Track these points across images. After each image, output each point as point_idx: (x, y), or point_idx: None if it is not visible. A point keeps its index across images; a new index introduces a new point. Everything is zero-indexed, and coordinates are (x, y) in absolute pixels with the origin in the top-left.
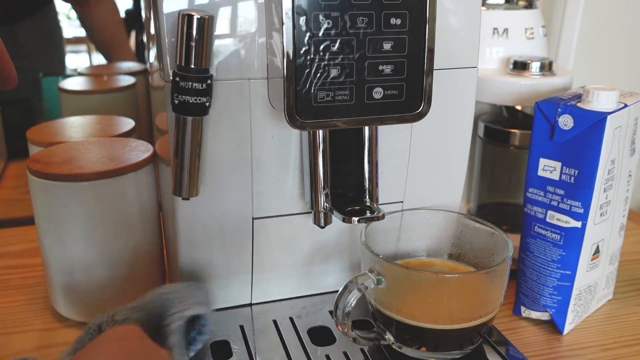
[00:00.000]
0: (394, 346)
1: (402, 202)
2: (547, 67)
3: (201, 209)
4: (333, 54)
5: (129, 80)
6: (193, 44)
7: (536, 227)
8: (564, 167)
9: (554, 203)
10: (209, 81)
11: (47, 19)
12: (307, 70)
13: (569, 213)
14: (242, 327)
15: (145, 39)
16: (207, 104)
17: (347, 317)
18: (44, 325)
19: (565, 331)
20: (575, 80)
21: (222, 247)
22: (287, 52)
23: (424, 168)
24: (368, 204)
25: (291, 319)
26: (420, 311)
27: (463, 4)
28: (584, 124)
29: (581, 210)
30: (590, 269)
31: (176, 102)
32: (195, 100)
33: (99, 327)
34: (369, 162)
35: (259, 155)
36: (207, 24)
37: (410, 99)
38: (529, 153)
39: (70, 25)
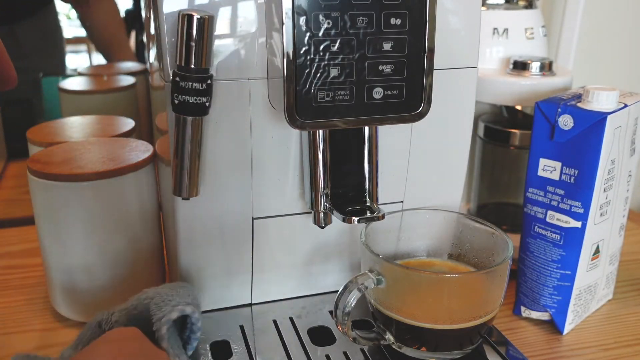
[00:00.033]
0: (394, 346)
1: (402, 202)
2: (547, 67)
3: (201, 209)
4: (333, 54)
5: (129, 80)
6: (193, 44)
7: (536, 227)
8: (564, 167)
9: (554, 203)
10: (209, 81)
11: (47, 19)
12: (307, 70)
13: (569, 213)
14: (242, 327)
15: (145, 39)
16: (207, 104)
17: (347, 317)
18: (44, 325)
19: (565, 331)
20: (575, 80)
21: (222, 247)
22: (287, 52)
23: (424, 168)
24: (368, 204)
25: (291, 319)
26: (420, 311)
27: (463, 4)
28: (584, 124)
29: (581, 210)
30: (590, 269)
31: (176, 102)
32: (195, 100)
33: (98, 324)
34: (369, 162)
35: (259, 155)
36: (207, 24)
37: (410, 99)
38: (529, 153)
39: (70, 25)
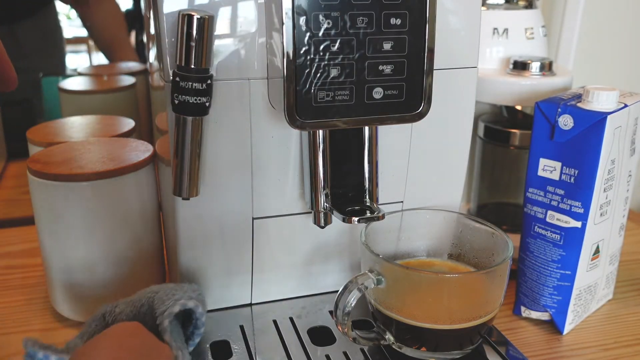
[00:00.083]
0: (394, 346)
1: (402, 202)
2: (547, 67)
3: (201, 209)
4: (333, 54)
5: (129, 80)
6: (193, 44)
7: (536, 227)
8: (564, 167)
9: (554, 203)
10: (209, 81)
11: (47, 19)
12: (307, 70)
13: (569, 213)
14: (242, 327)
15: (145, 39)
16: (207, 104)
17: (347, 317)
18: (44, 325)
19: (565, 331)
20: (575, 80)
21: (222, 247)
22: (287, 52)
23: (424, 168)
24: (368, 204)
25: (291, 319)
26: (420, 311)
27: (463, 4)
28: (584, 124)
29: (581, 210)
30: (590, 269)
31: (176, 102)
32: (195, 100)
33: (103, 316)
34: (369, 162)
35: (259, 155)
36: (207, 24)
37: (410, 99)
38: (529, 153)
39: (70, 25)
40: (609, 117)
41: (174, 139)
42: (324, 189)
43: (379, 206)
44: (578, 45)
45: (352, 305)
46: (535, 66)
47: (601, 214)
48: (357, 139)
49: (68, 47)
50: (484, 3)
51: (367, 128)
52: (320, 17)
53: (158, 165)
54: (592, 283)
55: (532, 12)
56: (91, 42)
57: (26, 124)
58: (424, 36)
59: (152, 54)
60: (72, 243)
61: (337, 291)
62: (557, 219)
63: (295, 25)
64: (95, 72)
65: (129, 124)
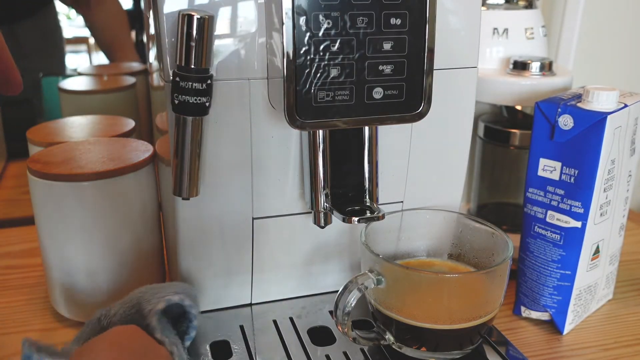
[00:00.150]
0: (394, 346)
1: (402, 202)
2: (547, 67)
3: (201, 209)
4: (333, 54)
5: (129, 80)
6: (193, 44)
7: (536, 227)
8: (564, 167)
9: (554, 203)
10: (209, 81)
11: (47, 19)
12: (307, 70)
13: (569, 213)
14: (242, 327)
15: (145, 39)
16: (207, 104)
17: (347, 317)
18: (44, 325)
19: (565, 331)
20: (575, 80)
21: (222, 247)
22: (287, 52)
23: (424, 168)
24: (368, 204)
25: (291, 319)
26: (420, 311)
27: (463, 4)
28: (584, 124)
29: (581, 210)
30: (590, 269)
31: (176, 102)
32: (195, 100)
33: (98, 320)
34: (369, 162)
35: (259, 155)
36: (207, 24)
37: (410, 99)
38: (529, 153)
39: (70, 25)
40: (609, 117)
41: (174, 139)
42: (324, 189)
43: (379, 206)
44: (578, 45)
45: (352, 305)
46: (535, 66)
47: (601, 214)
48: (357, 139)
49: (68, 47)
50: (484, 3)
51: (367, 128)
52: (320, 17)
53: (158, 165)
54: (592, 283)
55: (532, 12)
56: (91, 42)
57: (26, 124)
58: (424, 36)
59: (152, 54)
60: (72, 243)
61: (337, 291)
62: (557, 219)
63: (295, 25)
64: (95, 72)
65: (129, 124)
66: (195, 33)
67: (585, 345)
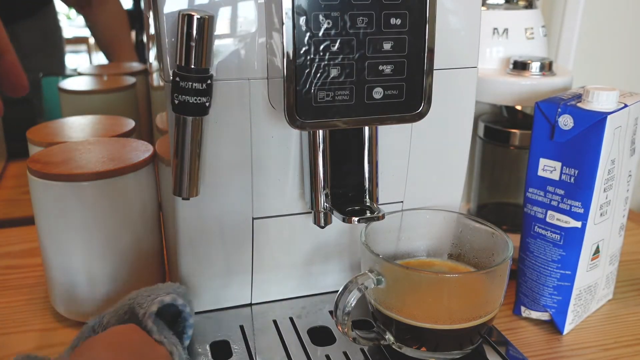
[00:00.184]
0: (394, 346)
1: (402, 202)
2: (547, 67)
3: (201, 209)
4: (333, 54)
5: (129, 80)
6: (193, 44)
7: (536, 227)
8: (564, 167)
9: (554, 203)
10: (209, 81)
11: (47, 19)
12: (307, 70)
13: (569, 213)
14: (242, 327)
15: (145, 39)
16: (207, 104)
17: (347, 317)
18: (44, 325)
19: (565, 331)
20: (575, 80)
21: (222, 247)
22: (287, 52)
23: (424, 168)
24: (368, 204)
25: (291, 319)
26: (420, 311)
27: (463, 4)
28: (584, 124)
29: (581, 210)
30: (590, 269)
31: (176, 102)
32: (195, 100)
33: (92, 329)
34: (369, 162)
35: (259, 155)
36: (207, 24)
37: (410, 99)
38: (529, 153)
39: (70, 25)
40: (609, 117)
41: (174, 139)
42: (324, 189)
43: (379, 206)
44: (578, 45)
45: (352, 305)
46: (535, 66)
47: (601, 214)
48: (357, 139)
49: (68, 47)
50: (484, 3)
51: (367, 128)
52: (320, 17)
53: (158, 165)
54: (592, 283)
55: (532, 12)
56: (91, 42)
57: (26, 124)
58: (424, 36)
59: (152, 54)
60: (72, 243)
61: (337, 291)
62: (557, 219)
63: (295, 25)
64: (96, 72)
65: (129, 124)
66: (195, 33)
67: (585, 345)
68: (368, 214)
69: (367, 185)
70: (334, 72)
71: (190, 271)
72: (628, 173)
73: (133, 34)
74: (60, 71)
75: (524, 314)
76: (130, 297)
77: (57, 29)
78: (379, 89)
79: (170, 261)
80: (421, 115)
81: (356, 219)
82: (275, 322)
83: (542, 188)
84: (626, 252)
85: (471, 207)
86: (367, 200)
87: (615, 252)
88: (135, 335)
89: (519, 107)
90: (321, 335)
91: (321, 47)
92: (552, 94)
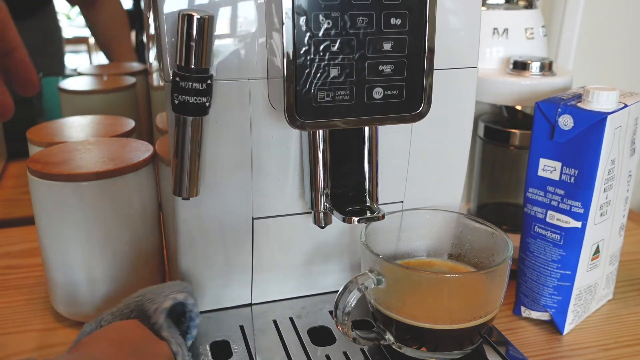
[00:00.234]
0: (394, 346)
1: (402, 202)
2: (547, 67)
3: (201, 209)
4: (333, 54)
5: (129, 80)
6: (193, 44)
7: (536, 227)
8: (564, 167)
9: (554, 203)
10: (209, 81)
11: (47, 19)
12: (307, 70)
13: (569, 213)
14: (242, 327)
15: (145, 39)
16: (207, 104)
17: (347, 317)
18: (44, 325)
19: (565, 331)
20: (575, 80)
21: (222, 247)
22: (287, 52)
23: (424, 168)
24: (368, 204)
25: (291, 319)
26: (420, 311)
27: (463, 4)
28: (584, 124)
29: (581, 210)
30: (590, 269)
31: (176, 102)
32: (195, 100)
33: (99, 326)
34: (369, 162)
35: (259, 155)
36: (207, 24)
37: (411, 99)
38: (529, 153)
39: (70, 25)
40: (609, 117)
41: (174, 139)
42: (324, 189)
43: (379, 206)
44: (578, 45)
45: (352, 305)
46: (535, 66)
47: (601, 214)
48: (357, 139)
49: (68, 47)
50: (484, 3)
51: (367, 128)
52: (320, 17)
53: (158, 165)
54: (592, 283)
55: (532, 12)
56: (91, 42)
57: (26, 124)
58: (424, 36)
59: (152, 54)
60: (72, 243)
61: (337, 291)
62: (557, 219)
63: (295, 25)
64: (96, 72)
65: (129, 124)
66: (195, 33)
67: (585, 345)
68: (368, 214)
69: (367, 185)
70: (334, 72)
71: (190, 271)
72: (628, 173)
73: (133, 34)
74: (60, 71)
75: (524, 314)
76: (139, 294)
77: (57, 29)
78: (379, 89)
79: (170, 261)
80: (421, 115)
81: (356, 219)
82: (275, 322)
83: (542, 188)
84: (626, 252)
85: (471, 207)
86: (367, 200)
87: (615, 252)
88: (138, 331)
89: (519, 107)
90: (321, 335)
91: (321, 47)
92: (552, 94)
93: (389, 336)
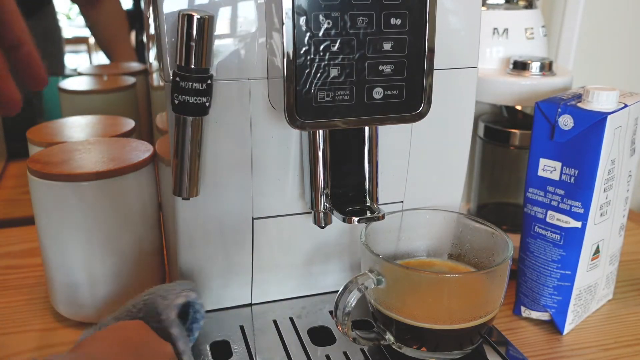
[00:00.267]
0: (394, 346)
1: (402, 202)
2: (547, 67)
3: (201, 209)
4: (333, 54)
5: (129, 80)
6: (193, 44)
7: (536, 227)
8: (564, 167)
9: (554, 203)
10: (209, 81)
11: (47, 19)
12: (307, 70)
13: (569, 213)
14: (242, 327)
15: (145, 39)
16: (207, 104)
17: (347, 317)
18: (44, 325)
19: (565, 331)
20: (575, 80)
21: (222, 247)
22: (287, 52)
23: (424, 168)
24: (368, 204)
25: (291, 319)
26: (420, 311)
27: (463, 4)
28: (584, 124)
29: (581, 210)
30: (590, 269)
31: (176, 102)
32: (195, 100)
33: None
34: (369, 162)
35: (259, 155)
36: (207, 24)
37: (411, 99)
38: (529, 153)
39: (70, 25)
40: (609, 117)
41: (174, 139)
42: (324, 189)
43: (379, 206)
44: (578, 45)
45: (352, 305)
46: (535, 66)
47: (601, 214)
48: (357, 139)
49: (68, 47)
50: (484, 3)
51: (367, 128)
52: (320, 17)
53: (158, 165)
54: (592, 283)
55: (532, 12)
56: (91, 42)
57: (26, 124)
58: (424, 36)
59: (152, 54)
60: (72, 243)
61: (337, 291)
62: (557, 219)
63: (295, 25)
64: (96, 72)
65: (129, 124)
66: (195, 33)
67: (585, 345)
68: (368, 214)
69: (367, 185)
70: (334, 72)
71: (190, 271)
72: (628, 173)
73: (133, 34)
74: (60, 71)
75: (524, 314)
76: (148, 293)
77: (57, 29)
78: (379, 89)
79: (170, 261)
80: (421, 115)
81: (356, 219)
82: (275, 322)
83: (542, 188)
84: (626, 252)
85: (471, 207)
86: (367, 200)
87: (615, 252)
88: (142, 332)
89: (519, 107)
90: (321, 335)
91: (321, 47)
92: (552, 94)
93: (389, 336)
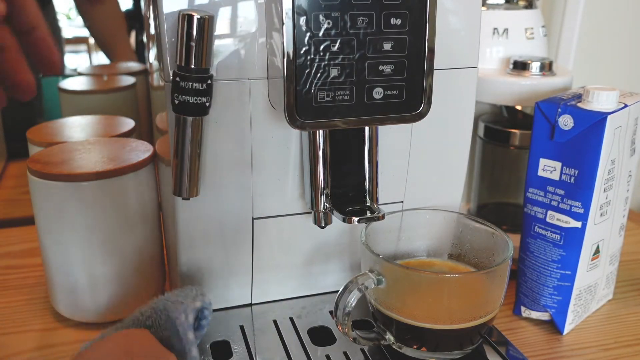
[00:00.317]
0: (394, 346)
1: (402, 202)
2: (547, 67)
3: (201, 209)
4: (333, 54)
5: (129, 80)
6: (193, 44)
7: (536, 227)
8: (564, 167)
9: (554, 203)
10: (209, 81)
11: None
12: (307, 70)
13: (569, 213)
14: (242, 327)
15: (145, 39)
16: (207, 104)
17: (347, 317)
18: (44, 325)
19: (565, 331)
20: (575, 80)
21: (222, 247)
22: (287, 52)
23: (424, 168)
24: (368, 204)
25: (291, 319)
26: (420, 311)
27: (463, 4)
28: (584, 124)
29: (581, 210)
30: (591, 269)
31: (176, 102)
32: (196, 100)
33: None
34: (369, 162)
35: (259, 155)
36: (207, 24)
37: (411, 99)
38: (529, 153)
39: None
40: (609, 117)
41: (174, 139)
42: (324, 189)
43: (379, 206)
44: (578, 45)
45: (352, 305)
46: (535, 66)
47: (601, 214)
48: (357, 139)
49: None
50: (484, 3)
51: (367, 128)
52: (321, 17)
53: (158, 165)
54: (592, 283)
55: (532, 12)
56: (91, 42)
57: (26, 124)
58: (424, 36)
59: (152, 54)
60: (72, 243)
61: (337, 291)
62: (557, 219)
63: (295, 25)
64: (95, 72)
65: (129, 124)
66: (195, 33)
67: (585, 345)
68: (368, 214)
69: (367, 185)
70: (334, 72)
71: (190, 271)
72: (628, 173)
73: (133, 34)
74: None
75: (524, 314)
76: (160, 300)
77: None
78: (379, 89)
79: (170, 261)
80: (421, 115)
81: (356, 219)
82: (275, 322)
83: (542, 188)
84: (626, 252)
85: (471, 207)
86: (367, 200)
87: (615, 252)
88: (145, 341)
89: (519, 107)
90: (321, 335)
91: (321, 47)
92: (552, 94)
93: (389, 336)
